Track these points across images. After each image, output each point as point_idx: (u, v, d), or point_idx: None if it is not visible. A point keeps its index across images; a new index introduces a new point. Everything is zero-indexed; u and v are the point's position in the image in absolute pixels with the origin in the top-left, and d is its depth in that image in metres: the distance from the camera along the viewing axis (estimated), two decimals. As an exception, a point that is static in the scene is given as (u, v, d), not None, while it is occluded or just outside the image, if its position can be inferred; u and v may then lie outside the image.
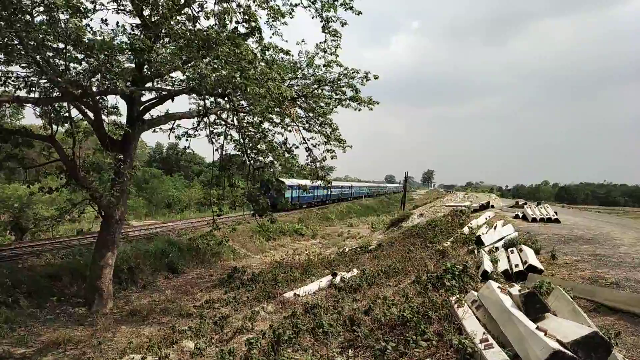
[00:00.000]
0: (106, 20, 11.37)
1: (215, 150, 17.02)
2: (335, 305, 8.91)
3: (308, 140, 17.97)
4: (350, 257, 19.35)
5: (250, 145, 16.42)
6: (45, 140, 14.17)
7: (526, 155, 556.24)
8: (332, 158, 17.81)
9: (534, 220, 17.10)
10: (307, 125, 18.17)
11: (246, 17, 11.89)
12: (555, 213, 18.63)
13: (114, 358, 9.25)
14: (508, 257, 9.34)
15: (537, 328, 3.91)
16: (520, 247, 9.73)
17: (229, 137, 17.22)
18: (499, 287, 5.27)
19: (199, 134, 17.80)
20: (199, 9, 12.63)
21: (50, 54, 11.82)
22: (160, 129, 16.50)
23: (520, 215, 18.81)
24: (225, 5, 11.61)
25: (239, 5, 11.73)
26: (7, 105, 12.81)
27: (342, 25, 14.72)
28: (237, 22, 12.15)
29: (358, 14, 14.36)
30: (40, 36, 10.64)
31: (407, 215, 32.35)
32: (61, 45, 11.70)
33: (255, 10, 12.05)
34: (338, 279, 12.43)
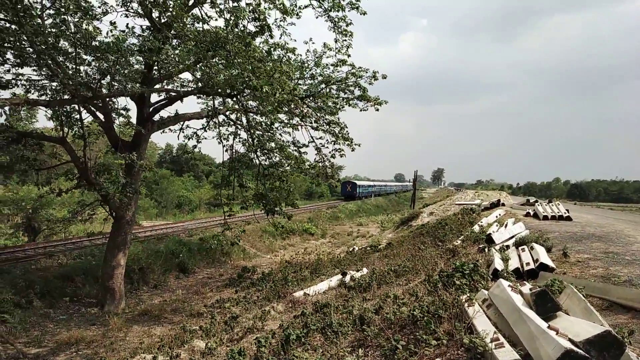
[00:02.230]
0: (115, 23, 11.44)
1: (225, 150, 17.11)
2: (345, 304, 8.90)
3: (317, 139, 18.02)
4: (360, 256, 19.34)
5: (260, 145, 16.47)
6: (56, 142, 14.33)
7: (537, 152, 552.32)
8: (340, 156, 17.87)
9: (545, 218, 16.93)
10: (315, 125, 18.20)
11: (255, 15, 11.93)
12: (567, 210, 18.43)
13: (126, 358, 9.32)
14: (519, 256, 9.26)
15: (549, 327, 3.87)
16: (532, 245, 9.63)
17: (238, 137, 17.31)
18: (509, 285, 5.22)
19: (208, 135, 17.92)
20: (211, 6, 12.69)
21: (61, 57, 11.95)
22: (170, 129, 16.63)
23: (531, 213, 18.63)
24: (234, 4, 11.63)
25: (248, 4, 11.77)
26: (21, 107, 12.96)
27: (347, 25, 14.71)
28: (248, 21, 12.20)
29: (363, 14, 14.32)
30: (51, 39, 10.75)
31: (417, 214, 32.26)
32: (71, 48, 11.83)
33: (265, 9, 12.08)
34: (348, 278, 12.42)
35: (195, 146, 18.45)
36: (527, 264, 8.38)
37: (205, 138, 17.82)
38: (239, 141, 17.56)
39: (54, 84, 13.03)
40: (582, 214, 21.09)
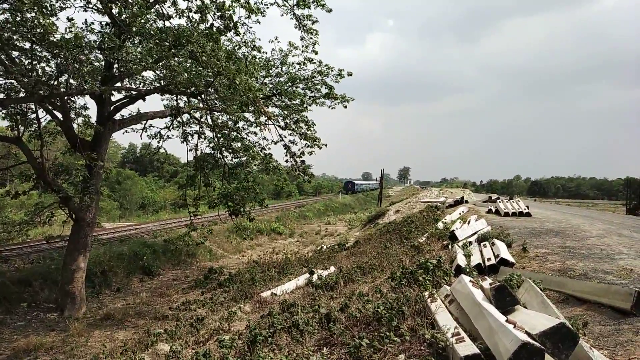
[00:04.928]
0: (73, 19, 11.08)
1: (190, 150, 16.86)
2: (312, 303, 8.91)
3: (285, 137, 17.95)
4: (327, 254, 19.40)
5: (225, 144, 16.28)
6: (11, 142, 13.80)
7: (499, 150, 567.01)
8: (310, 154, 17.86)
9: (506, 214, 17.42)
10: (282, 124, 18.13)
11: (220, 12, 11.77)
12: (527, 207, 19.03)
13: (87, 363, 9.06)
14: (481, 251, 9.49)
15: (507, 320, 3.97)
16: (493, 241, 9.89)
17: (203, 136, 17.07)
18: (470, 280, 5.33)
19: (172, 134, 17.63)
20: (172, 5, 12.45)
21: (16, 53, 11.51)
22: (132, 129, 16.24)
23: (493, 209, 19.13)
24: (198, 1, 11.44)
25: (212, 2, 11.60)
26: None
27: (313, 23, 14.68)
28: (213, 19, 12.03)
29: (329, 12, 14.33)
30: (5, 35, 10.33)
31: (384, 212, 32.62)
32: (27, 44, 11.40)
33: (230, 7, 11.92)
34: (315, 276, 12.45)
35: (159, 147, 18.11)
36: (489, 259, 8.60)
37: (170, 137, 17.47)
38: (204, 140, 17.34)
39: (9, 81, 12.52)
40: (541, 210, 21.79)
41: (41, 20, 10.39)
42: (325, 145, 18.19)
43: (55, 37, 10.81)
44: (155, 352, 8.37)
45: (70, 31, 11.13)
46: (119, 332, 11.96)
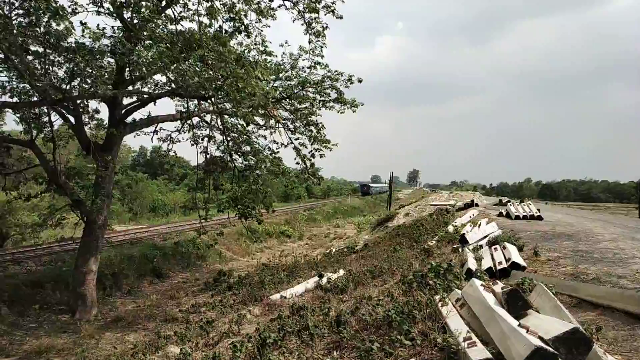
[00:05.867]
0: (85, 23, 11.22)
1: (200, 153, 16.94)
2: (322, 306, 8.88)
3: (295, 140, 17.99)
4: (336, 257, 19.36)
5: (235, 147, 16.34)
6: (25, 146, 13.98)
7: (509, 153, 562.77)
8: (320, 157, 17.86)
9: (517, 217, 17.24)
10: (292, 127, 18.18)
11: (231, 15, 11.82)
12: (538, 210, 18.81)
13: (98, 365, 9.12)
14: (492, 255, 9.40)
15: (519, 325, 3.93)
16: (504, 245, 9.79)
17: (212, 139, 17.15)
18: (482, 284, 5.28)
19: (183, 137, 17.76)
20: (182, 9, 12.54)
21: (30, 57, 11.65)
22: (143, 132, 16.36)
23: (504, 213, 18.94)
24: (208, 4, 11.50)
25: (223, 4, 11.65)
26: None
27: (323, 29, 14.70)
28: (223, 21, 12.09)
29: (339, 18, 14.33)
30: (19, 39, 10.46)
31: (393, 215, 32.47)
32: (40, 49, 11.55)
33: (240, 9, 11.97)
34: (325, 280, 12.42)
35: (169, 150, 18.23)
36: (500, 263, 8.52)
37: (179, 141, 17.58)
38: (214, 143, 17.43)
39: (22, 85, 12.69)
40: (552, 213, 21.55)
41: (54, 25, 10.54)
42: (336, 144, 18.17)
43: (68, 42, 10.95)
44: (166, 355, 8.42)
45: (87, 34, 11.27)
46: (129, 334, 12.04)
